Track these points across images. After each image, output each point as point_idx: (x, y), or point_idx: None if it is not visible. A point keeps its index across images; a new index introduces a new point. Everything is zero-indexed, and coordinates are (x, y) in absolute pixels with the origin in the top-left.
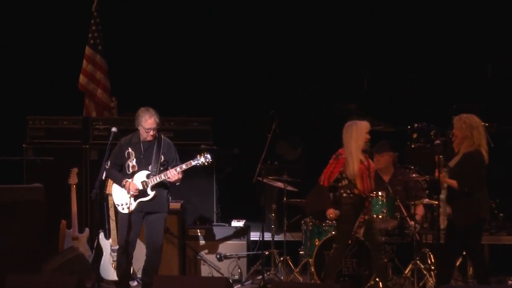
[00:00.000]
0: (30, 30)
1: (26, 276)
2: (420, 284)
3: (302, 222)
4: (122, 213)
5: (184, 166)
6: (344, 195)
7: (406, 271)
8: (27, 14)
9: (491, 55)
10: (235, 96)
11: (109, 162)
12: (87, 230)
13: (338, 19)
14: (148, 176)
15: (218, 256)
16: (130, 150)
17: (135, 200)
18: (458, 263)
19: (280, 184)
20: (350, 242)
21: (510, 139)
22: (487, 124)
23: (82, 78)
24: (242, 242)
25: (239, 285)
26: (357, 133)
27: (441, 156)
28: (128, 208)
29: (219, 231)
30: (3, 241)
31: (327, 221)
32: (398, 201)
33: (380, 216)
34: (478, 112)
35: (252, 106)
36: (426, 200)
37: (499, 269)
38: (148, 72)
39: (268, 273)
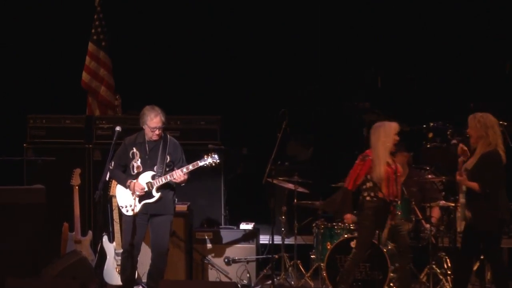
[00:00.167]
0: (31, 26)
1: (26, 280)
2: None
3: (314, 224)
4: (126, 215)
5: (190, 167)
6: (368, 198)
7: (422, 276)
8: (28, 9)
9: (510, 52)
10: (244, 93)
11: (113, 162)
12: (90, 233)
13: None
14: (153, 177)
15: (226, 260)
16: (134, 150)
17: (140, 202)
18: (475, 268)
19: (290, 186)
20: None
21: None
22: (505, 123)
23: (85, 76)
24: (251, 246)
25: None
26: (385, 134)
27: (464, 159)
28: (133, 210)
29: (227, 234)
30: (3, 244)
31: (339, 223)
32: (413, 203)
33: None
34: (497, 111)
35: (262, 105)
36: (442, 202)
37: None
38: (154, 69)
39: (278, 278)
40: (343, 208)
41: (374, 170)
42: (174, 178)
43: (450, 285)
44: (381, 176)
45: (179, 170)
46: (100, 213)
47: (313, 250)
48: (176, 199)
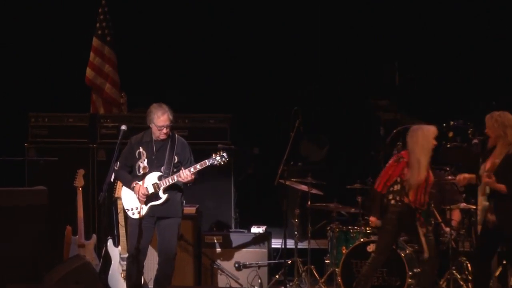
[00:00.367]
0: (32, 20)
1: (27, 286)
2: None
3: (328, 228)
4: (132, 218)
5: (198, 166)
6: (392, 202)
7: (441, 282)
8: (30, 1)
9: None
10: (255, 91)
11: (118, 163)
12: (94, 236)
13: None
14: (160, 178)
15: (236, 265)
16: (141, 149)
17: (146, 204)
18: (497, 273)
19: (304, 187)
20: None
21: None
22: None
23: (89, 72)
24: (263, 250)
25: None
26: (423, 138)
27: (496, 160)
28: (139, 212)
29: (238, 238)
30: (3, 248)
31: (354, 227)
32: (433, 205)
33: None
34: None
35: (274, 102)
36: (463, 205)
37: None
38: (161, 65)
39: (290, 283)
40: (371, 210)
41: (413, 175)
42: (181, 178)
43: None
44: (419, 182)
45: (186, 170)
46: (104, 216)
47: (328, 255)
48: (184, 201)
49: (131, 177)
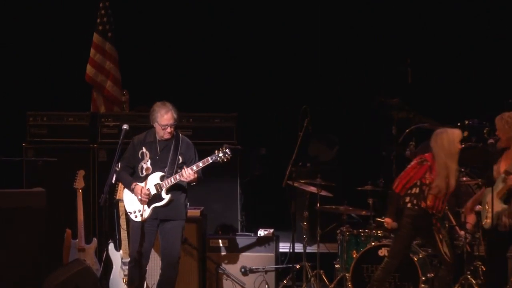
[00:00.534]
0: (31, 16)
1: None
2: None
3: (338, 231)
4: (134, 221)
5: (200, 164)
6: (409, 205)
7: (456, 287)
8: None
9: None
10: (262, 89)
11: (119, 163)
12: (95, 240)
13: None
14: (162, 178)
15: (242, 269)
16: (144, 150)
17: (149, 206)
18: None
19: (313, 189)
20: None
21: None
22: None
23: (89, 69)
24: (270, 254)
25: None
26: (449, 142)
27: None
28: (142, 215)
29: (244, 242)
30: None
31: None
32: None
33: None
34: None
35: (282, 101)
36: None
37: None
38: (164, 62)
39: None
40: (387, 212)
41: (440, 180)
42: (184, 178)
43: None
44: (451, 189)
45: (188, 169)
46: (105, 218)
47: (338, 259)
48: (188, 203)
49: (131, 178)
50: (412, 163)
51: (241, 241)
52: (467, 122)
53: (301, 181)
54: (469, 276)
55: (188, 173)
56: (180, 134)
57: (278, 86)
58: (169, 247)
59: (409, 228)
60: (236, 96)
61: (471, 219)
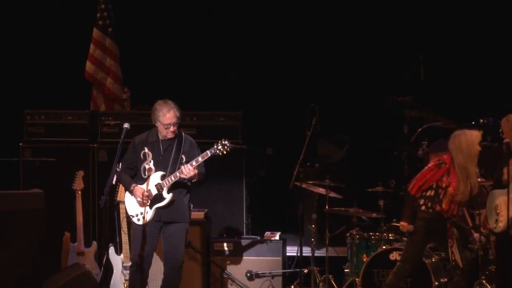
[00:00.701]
0: (28, 10)
1: None
2: None
3: (347, 234)
4: (136, 224)
5: (200, 159)
6: (423, 208)
7: None
8: None
9: None
10: (268, 86)
11: (120, 164)
12: (94, 243)
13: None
14: (163, 177)
15: (248, 274)
16: (146, 150)
17: (150, 207)
18: None
19: (321, 190)
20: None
21: None
22: None
23: (89, 66)
24: (277, 258)
25: None
26: (467, 144)
27: None
28: (144, 218)
29: (250, 245)
30: None
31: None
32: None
33: None
34: None
35: (289, 98)
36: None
37: None
38: (167, 59)
39: None
40: (402, 215)
41: (461, 185)
42: (184, 174)
43: None
44: (472, 194)
45: (188, 165)
46: (106, 221)
47: (347, 264)
48: (192, 205)
49: (130, 179)
50: (430, 165)
51: (247, 244)
52: (482, 120)
53: (309, 182)
54: (484, 281)
55: (188, 169)
56: (183, 133)
57: (285, 82)
58: (173, 250)
59: (422, 232)
60: (241, 94)
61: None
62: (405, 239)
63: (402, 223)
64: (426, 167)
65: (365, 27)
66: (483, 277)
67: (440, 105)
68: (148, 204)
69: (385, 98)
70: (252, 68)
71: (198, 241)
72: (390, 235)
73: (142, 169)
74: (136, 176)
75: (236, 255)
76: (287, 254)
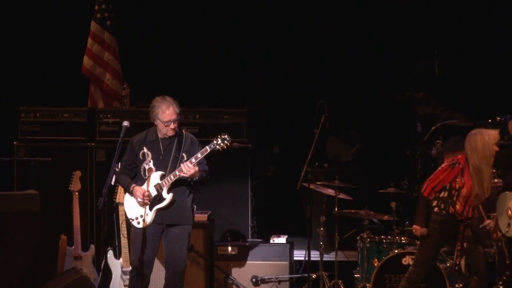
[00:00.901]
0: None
1: None
2: None
3: (358, 238)
4: (137, 227)
5: (199, 155)
6: (436, 209)
7: None
8: None
9: None
10: (274, 82)
11: (119, 164)
12: (92, 247)
13: None
14: (162, 177)
15: (253, 279)
16: (145, 150)
17: (150, 209)
18: None
19: (330, 191)
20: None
21: None
22: None
23: (86, 61)
24: (284, 263)
25: None
26: (483, 144)
27: None
28: (144, 220)
29: (255, 249)
30: None
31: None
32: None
33: None
34: None
35: (296, 95)
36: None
37: None
38: (169, 53)
39: None
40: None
41: (476, 186)
42: (184, 172)
43: None
44: (487, 195)
45: (187, 162)
46: (104, 224)
47: (357, 268)
48: (195, 207)
49: (130, 180)
50: (443, 165)
51: (252, 248)
52: (498, 118)
53: (318, 183)
54: (500, 286)
55: (187, 167)
56: (184, 131)
57: (293, 78)
58: (175, 254)
59: (436, 235)
60: (247, 90)
61: None
62: (418, 242)
63: (415, 226)
64: (439, 168)
65: (378, 21)
66: (500, 283)
67: (455, 101)
68: (148, 204)
69: (398, 94)
70: (258, 63)
71: (201, 245)
72: (402, 238)
73: (142, 169)
74: (136, 177)
75: (241, 259)
76: (295, 258)
